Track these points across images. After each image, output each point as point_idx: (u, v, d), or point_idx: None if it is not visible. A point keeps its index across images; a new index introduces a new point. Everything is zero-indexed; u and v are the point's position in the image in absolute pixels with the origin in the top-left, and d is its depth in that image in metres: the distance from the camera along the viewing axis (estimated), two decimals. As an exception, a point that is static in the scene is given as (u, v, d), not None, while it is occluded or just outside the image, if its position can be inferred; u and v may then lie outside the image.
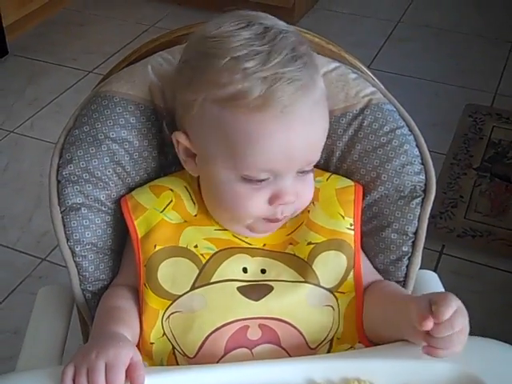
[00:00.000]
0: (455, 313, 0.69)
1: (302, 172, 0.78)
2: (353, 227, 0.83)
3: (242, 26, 0.75)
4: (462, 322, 0.69)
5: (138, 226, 0.82)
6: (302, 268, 0.80)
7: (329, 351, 0.79)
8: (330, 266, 0.81)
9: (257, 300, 0.78)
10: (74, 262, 0.85)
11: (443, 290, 0.90)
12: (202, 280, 0.78)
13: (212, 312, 0.77)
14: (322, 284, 0.80)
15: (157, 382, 0.69)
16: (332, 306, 0.80)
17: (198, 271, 0.79)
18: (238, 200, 0.77)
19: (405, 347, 0.75)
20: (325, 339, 0.79)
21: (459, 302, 0.70)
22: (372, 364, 0.73)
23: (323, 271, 0.80)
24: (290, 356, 0.77)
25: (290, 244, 0.83)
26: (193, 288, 0.78)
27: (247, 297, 0.77)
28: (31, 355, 0.82)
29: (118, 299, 0.81)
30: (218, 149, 0.76)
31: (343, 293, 0.81)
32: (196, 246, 0.80)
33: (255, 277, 0.79)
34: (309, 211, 0.84)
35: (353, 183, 0.87)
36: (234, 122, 0.74)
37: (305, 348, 0.78)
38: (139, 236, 0.81)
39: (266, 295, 0.78)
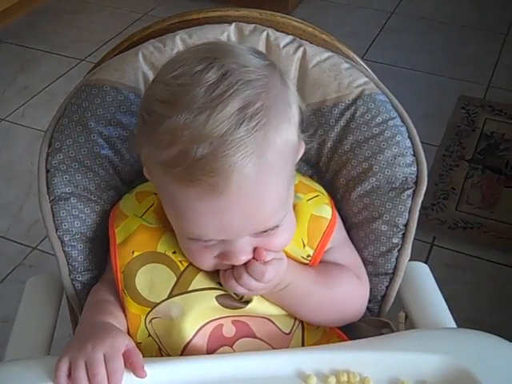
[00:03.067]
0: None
1: (264, 231, 0.71)
2: (310, 258, 0.80)
3: (200, 69, 0.66)
4: (259, 270, 0.71)
5: (117, 233, 0.80)
6: None
7: (303, 334, 0.79)
8: None
9: (234, 309, 0.77)
10: (63, 251, 0.85)
11: (434, 281, 0.90)
12: (179, 288, 0.77)
13: (189, 319, 0.76)
14: None
15: (154, 372, 0.69)
16: None
17: (175, 278, 0.77)
18: (191, 254, 0.75)
19: (395, 339, 0.76)
20: (295, 322, 0.79)
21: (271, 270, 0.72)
22: (361, 356, 0.73)
23: None
24: (270, 345, 0.77)
25: None
26: (170, 296, 0.77)
27: (224, 306, 0.76)
28: (20, 344, 0.81)
29: (106, 293, 0.81)
30: (166, 204, 0.73)
31: None
32: (174, 252, 0.78)
33: None
34: None
35: (329, 217, 0.82)
36: (170, 189, 0.68)
37: (279, 335, 0.78)
38: (117, 242, 0.80)
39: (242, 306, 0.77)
